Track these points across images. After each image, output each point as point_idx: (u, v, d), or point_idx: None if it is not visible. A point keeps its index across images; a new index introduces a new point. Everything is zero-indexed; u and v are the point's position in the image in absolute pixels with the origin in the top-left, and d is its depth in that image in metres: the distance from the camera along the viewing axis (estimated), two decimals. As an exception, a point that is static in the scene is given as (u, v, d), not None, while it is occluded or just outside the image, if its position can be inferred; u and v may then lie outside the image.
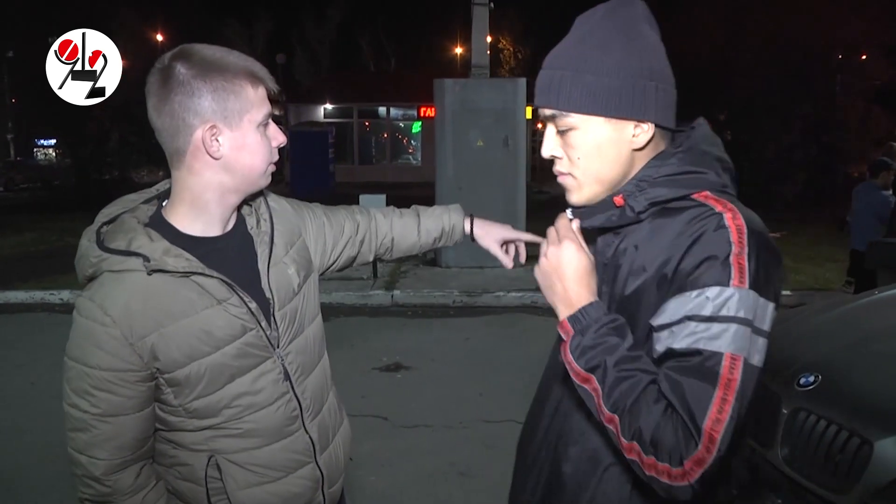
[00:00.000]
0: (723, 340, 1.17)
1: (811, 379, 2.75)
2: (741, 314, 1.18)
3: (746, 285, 1.18)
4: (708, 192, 1.31)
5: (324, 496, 1.70)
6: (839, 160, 21.14)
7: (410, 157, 33.03)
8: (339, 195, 18.06)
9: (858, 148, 21.54)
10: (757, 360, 1.19)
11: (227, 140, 1.47)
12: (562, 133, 1.35)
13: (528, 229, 8.83)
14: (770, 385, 2.92)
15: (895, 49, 22.01)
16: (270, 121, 1.55)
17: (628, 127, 1.32)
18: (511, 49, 42.67)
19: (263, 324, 1.55)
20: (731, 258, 1.20)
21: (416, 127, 32.11)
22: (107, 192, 19.04)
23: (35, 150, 36.52)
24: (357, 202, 9.23)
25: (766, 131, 19.01)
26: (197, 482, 1.57)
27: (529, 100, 11.01)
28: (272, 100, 1.58)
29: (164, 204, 1.58)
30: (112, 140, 20.81)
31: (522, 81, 10.71)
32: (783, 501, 2.77)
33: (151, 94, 1.45)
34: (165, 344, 1.45)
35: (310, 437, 1.66)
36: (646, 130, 1.32)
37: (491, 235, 2.12)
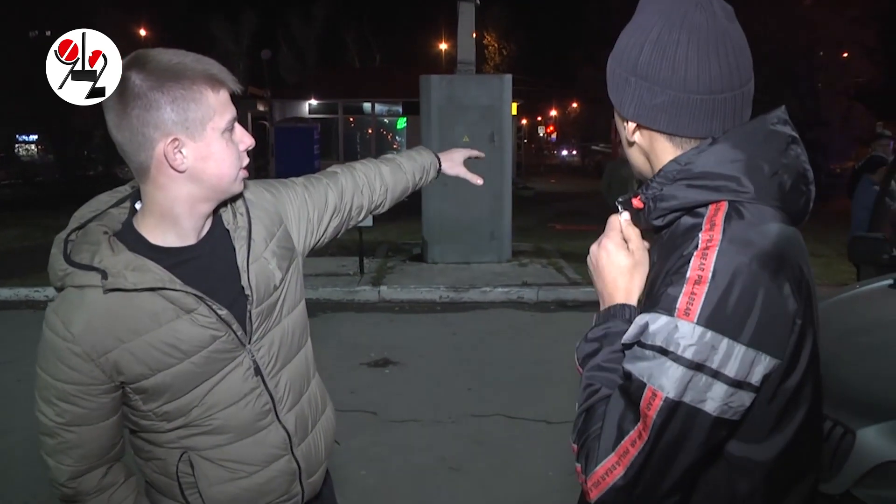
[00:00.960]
0: (650, 372, 1.09)
1: (796, 371, 2.80)
2: (678, 351, 1.07)
3: (693, 320, 1.07)
4: (725, 205, 1.16)
5: (302, 487, 1.70)
6: (823, 157, 21.36)
7: (395, 153, 33.03)
8: (325, 191, 18.09)
9: (841, 145, 21.78)
10: (709, 406, 1.07)
11: (191, 151, 1.42)
12: None
13: (515, 224, 8.95)
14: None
15: (875, 48, 22.29)
16: (236, 124, 1.50)
17: (623, 119, 1.28)
18: (496, 45, 42.74)
19: (235, 326, 1.52)
20: (685, 286, 1.09)
21: (401, 123, 32.12)
22: (91, 188, 18.95)
23: (16, 145, 36.22)
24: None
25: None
26: (170, 476, 1.58)
27: (515, 96, 11.08)
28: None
29: (136, 207, 1.54)
30: (96, 136, 20.69)
31: (508, 78, 10.75)
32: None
33: (109, 109, 1.41)
34: (128, 359, 1.43)
35: (285, 430, 1.64)
36: (630, 126, 1.26)
37: (455, 162, 2.21)
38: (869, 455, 2.41)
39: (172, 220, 1.49)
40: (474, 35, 11.44)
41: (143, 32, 26.53)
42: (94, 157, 21.15)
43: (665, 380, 1.08)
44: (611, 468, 1.13)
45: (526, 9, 41.94)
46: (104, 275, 1.40)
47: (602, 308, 1.34)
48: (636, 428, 1.11)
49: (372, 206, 2.00)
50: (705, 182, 1.17)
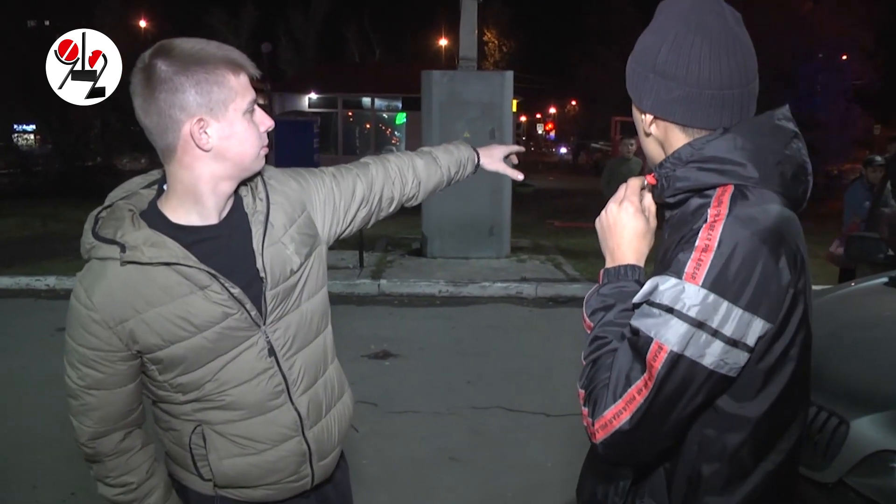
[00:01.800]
0: (657, 328, 1.20)
1: (792, 364, 2.87)
2: (686, 312, 1.18)
3: (699, 283, 1.18)
4: (731, 186, 1.27)
5: (312, 470, 1.75)
6: (820, 159, 21.46)
7: (394, 147, 33.05)
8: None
9: (838, 147, 21.87)
10: (707, 361, 1.19)
11: (216, 131, 1.50)
12: None
13: (513, 220, 9.00)
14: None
15: (874, 52, 22.39)
16: (256, 106, 1.58)
17: (641, 112, 1.40)
18: (496, 42, 42.76)
19: (248, 306, 1.59)
20: (694, 252, 1.20)
21: (401, 118, 32.13)
22: (89, 179, 18.95)
23: (14, 135, 36.12)
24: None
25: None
26: (184, 447, 1.66)
27: (515, 93, 11.14)
28: (255, 86, 1.63)
29: (164, 188, 1.61)
30: (95, 126, 20.67)
31: (510, 74, 10.81)
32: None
33: (136, 95, 1.49)
34: (143, 329, 1.52)
35: (297, 412, 1.69)
36: (647, 118, 1.38)
37: (495, 158, 2.20)
38: (862, 445, 2.49)
39: (195, 199, 1.57)
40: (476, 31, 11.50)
41: (143, 24, 26.53)
42: (92, 147, 21.10)
43: (670, 334, 1.19)
44: (618, 413, 1.25)
45: (526, 6, 42.00)
46: (123, 248, 1.49)
47: (611, 265, 1.44)
48: (642, 378, 1.22)
49: (404, 198, 2.04)
50: (715, 166, 1.29)
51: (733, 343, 1.19)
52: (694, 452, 1.32)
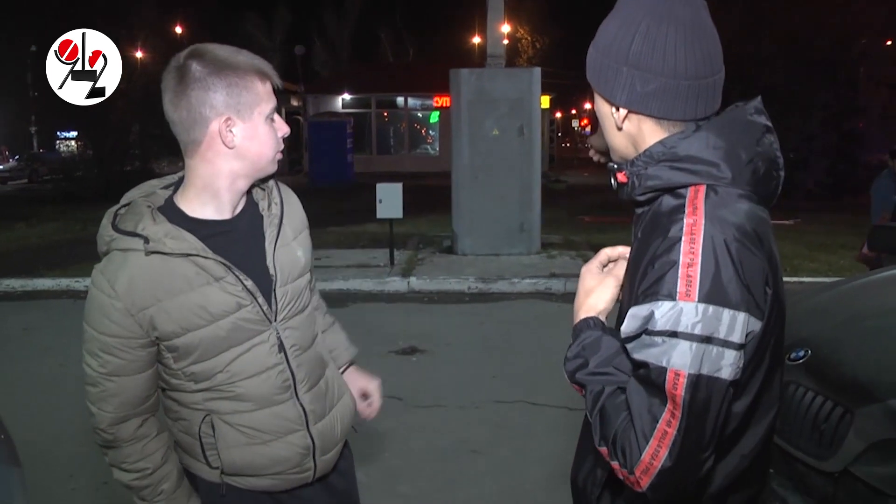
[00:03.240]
0: (667, 356, 1.18)
1: (801, 353, 2.87)
2: (691, 330, 1.16)
3: (695, 299, 1.16)
4: (704, 188, 1.26)
5: (315, 463, 1.84)
6: (860, 148, 20.99)
7: (429, 146, 33.13)
8: (359, 185, 18.22)
9: (880, 136, 21.38)
10: (725, 373, 1.17)
11: (241, 130, 1.63)
12: None
13: (545, 217, 8.94)
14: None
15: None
16: (276, 114, 1.72)
17: (611, 106, 1.36)
18: (529, 38, 42.58)
19: (260, 300, 1.70)
20: (680, 270, 1.18)
21: (434, 117, 32.19)
22: (128, 183, 19.25)
23: (57, 142, 36.99)
24: (374, 192, 9.38)
25: (787, 119, 18.90)
26: (193, 436, 1.75)
27: (548, 89, 11.12)
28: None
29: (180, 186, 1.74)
30: (133, 132, 21.09)
31: (537, 71, 10.80)
32: (774, 470, 2.90)
33: (168, 90, 1.62)
34: (163, 316, 1.62)
35: (302, 407, 1.79)
36: (621, 113, 1.34)
37: (356, 383, 2.17)
38: (867, 433, 2.48)
39: (213, 193, 1.69)
40: (507, 28, 11.51)
41: (178, 30, 26.95)
42: (132, 152, 21.53)
43: (682, 358, 1.17)
44: (654, 452, 1.20)
45: (560, 1, 41.75)
46: (146, 240, 1.59)
47: (573, 324, 1.47)
48: (667, 409, 1.19)
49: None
50: (688, 165, 1.28)
51: (741, 347, 1.18)
52: None
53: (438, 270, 9.59)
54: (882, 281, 3.66)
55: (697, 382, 1.16)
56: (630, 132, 1.36)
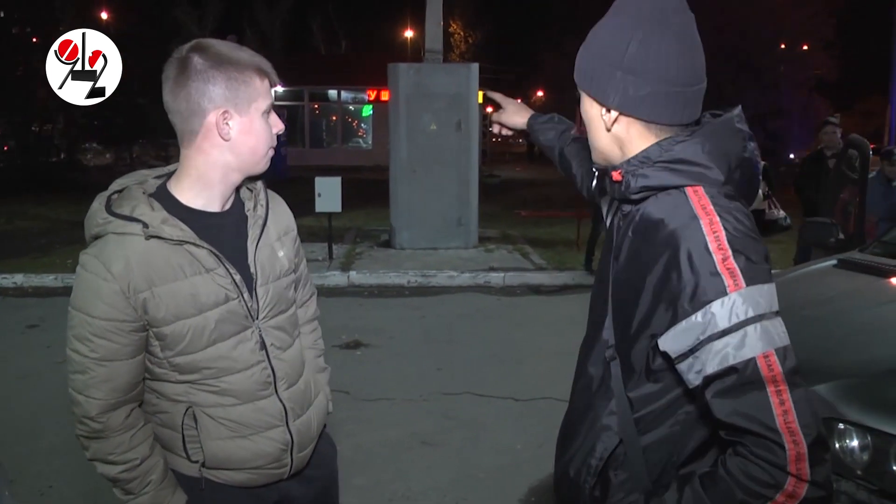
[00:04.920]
0: (748, 347, 1.21)
1: (747, 342, 3.03)
2: (751, 314, 1.21)
3: (743, 285, 1.21)
4: (701, 188, 1.32)
5: (292, 459, 1.86)
6: (784, 146, 21.85)
7: (361, 140, 33.00)
8: (292, 179, 18.01)
9: (801, 135, 22.30)
10: (787, 338, 1.23)
11: (237, 124, 1.66)
12: None
13: (481, 211, 9.13)
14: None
15: (833, 42, 22.86)
16: (272, 110, 1.74)
17: (601, 108, 1.41)
18: (462, 34, 42.75)
19: (245, 295, 1.73)
20: (719, 267, 1.23)
21: (367, 110, 32.09)
22: (53, 174, 18.65)
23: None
24: (312, 185, 9.32)
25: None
26: (175, 429, 1.75)
27: (481, 84, 11.26)
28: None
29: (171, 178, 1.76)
30: (58, 122, 20.36)
31: (475, 66, 10.91)
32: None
33: (169, 80, 1.64)
34: (155, 301, 1.63)
35: (282, 404, 1.82)
36: (612, 115, 1.39)
37: None
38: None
39: (206, 184, 1.71)
40: (440, 23, 11.56)
41: (104, 16, 26.04)
42: (56, 143, 20.76)
43: (759, 341, 1.21)
44: (792, 438, 1.19)
45: (492, -3, 42.05)
46: (145, 225, 1.61)
47: None
48: (770, 393, 1.21)
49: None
50: (684, 167, 1.34)
51: (778, 311, 1.26)
52: (679, 429, 1.38)
53: (378, 264, 9.61)
54: (814, 273, 3.87)
55: (784, 352, 1.22)
56: (618, 134, 1.41)
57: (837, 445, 2.54)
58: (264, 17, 37.06)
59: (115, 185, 1.74)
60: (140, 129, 20.71)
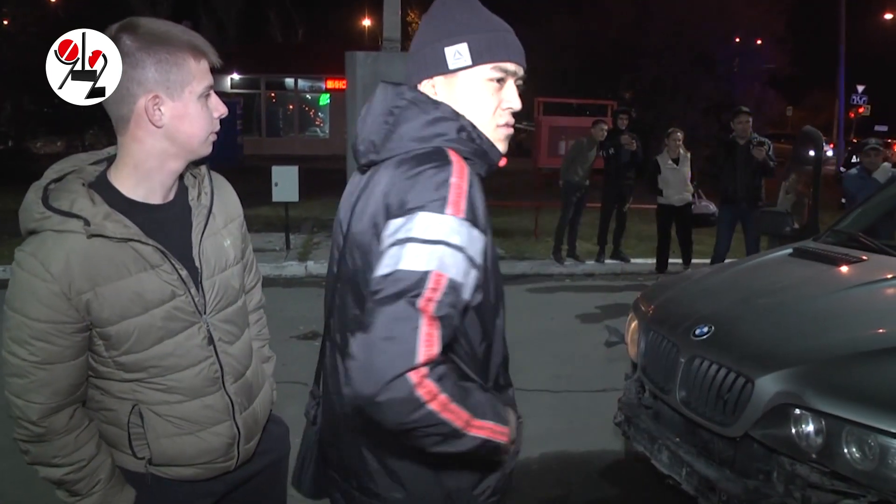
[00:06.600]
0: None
1: (705, 329, 3.06)
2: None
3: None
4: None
5: (238, 452, 1.82)
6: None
7: (318, 129, 32.68)
8: (248, 168, 17.78)
9: (754, 128, 22.64)
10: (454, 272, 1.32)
11: (169, 109, 1.56)
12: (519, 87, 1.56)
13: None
14: (669, 337, 3.22)
15: (785, 38, 23.35)
16: (212, 92, 1.64)
17: None
18: (420, 23, 42.58)
19: (193, 290, 1.66)
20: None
21: (324, 99, 31.78)
22: (1, 164, 18.06)
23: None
24: (269, 175, 9.20)
25: (671, 110, 19.80)
26: (120, 426, 1.69)
27: (441, 74, 11.17)
28: (214, 72, 1.66)
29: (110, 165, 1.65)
30: (6, 108, 19.74)
31: (434, 55, 10.82)
32: (681, 439, 3.08)
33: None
34: (99, 302, 1.54)
35: (229, 398, 1.77)
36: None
37: None
38: (764, 400, 2.68)
39: (145, 174, 1.61)
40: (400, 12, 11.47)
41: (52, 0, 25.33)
42: (3, 130, 20.13)
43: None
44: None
45: (450, -13, 41.80)
46: (86, 222, 1.51)
47: None
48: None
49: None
50: None
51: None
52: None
53: (336, 254, 9.50)
54: (770, 262, 3.93)
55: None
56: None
57: (794, 430, 2.59)
58: (220, 3, 36.49)
59: (51, 172, 1.62)
60: (92, 116, 20.20)
